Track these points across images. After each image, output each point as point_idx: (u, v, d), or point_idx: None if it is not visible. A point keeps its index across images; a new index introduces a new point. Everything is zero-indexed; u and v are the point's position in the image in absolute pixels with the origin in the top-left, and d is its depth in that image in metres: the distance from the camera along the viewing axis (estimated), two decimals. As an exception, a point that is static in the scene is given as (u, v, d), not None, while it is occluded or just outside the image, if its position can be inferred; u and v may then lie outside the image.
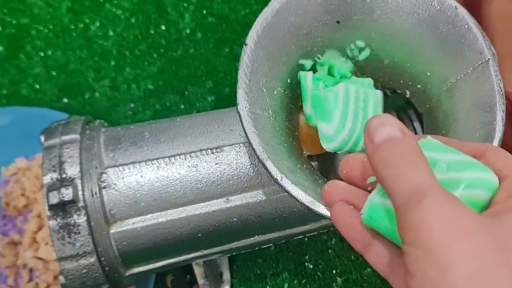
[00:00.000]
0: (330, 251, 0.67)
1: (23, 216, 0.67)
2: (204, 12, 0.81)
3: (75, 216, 0.48)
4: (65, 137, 0.51)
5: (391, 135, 0.31)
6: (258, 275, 0.65)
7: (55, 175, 0.48)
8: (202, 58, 0.79)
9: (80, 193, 0.48)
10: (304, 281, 0.65)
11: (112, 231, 0.49)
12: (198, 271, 0.64)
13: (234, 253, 0.56)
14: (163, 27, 0.81)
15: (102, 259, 0.49)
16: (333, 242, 0.67)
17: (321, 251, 0.67)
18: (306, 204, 0.41)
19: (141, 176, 0.50)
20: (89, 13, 0.81)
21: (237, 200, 0.51)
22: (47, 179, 0.48)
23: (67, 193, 0.47)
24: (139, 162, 0.50)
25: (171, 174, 0.50)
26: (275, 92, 0.48)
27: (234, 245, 0.53)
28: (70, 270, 0.48)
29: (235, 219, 0.51)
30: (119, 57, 0.79)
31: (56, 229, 0.47)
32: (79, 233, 0.48)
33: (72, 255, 0.48)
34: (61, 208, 0.48)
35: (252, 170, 0.51)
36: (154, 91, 0.77)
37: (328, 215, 0.41)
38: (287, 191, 0.42)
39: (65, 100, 0.76)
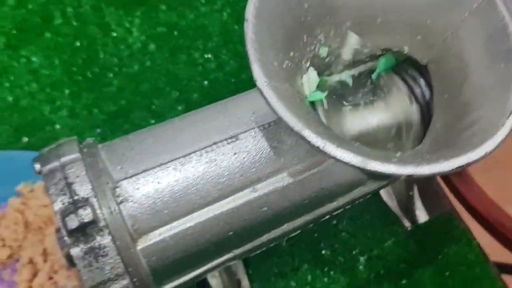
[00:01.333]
0: (343, 233, 0.65)
1: (10, 268, 0.61)
2: (152, 23, 0.78)
3: (98, 238, 0.43)
4: (65, 159, 0.46)
5: None
6: (277, 274, 0.62)
7: (66, 199, 0.43)
8: (160, 69, 0.75)
9: (98, 211, 0.43)
10: (326, 269, 0.62)
11: (139, 247, 0.45)
12: (214, 283, 0.60)
13: (261, 249, 0.52)
14: (111, 46, 0.76)
15: (134, 279, 0.44)
16: (344, 224, 0.65)
17: (334, 235, 0.64)
18: (358, 165, 0.39)
19: (158, 183, 0.46)
20: (29, 46, 0.76)
21: (263, 187, 0.47)
22: (58, 204, 0.43)
23: (86, 214, 0.42)
24: (152, 168, 0.46)
25: (190, 174, 0.46)
26: (284, 66, 0.46)
27: (265, 238, 0.50)
28: (101, 300, 0.43)
29: (265, 208, 0.48)
30: (72, 84, 0.74)
31: (81, 256, 0.43)
32: (106, 255, 0.43)
33: (103, 281, 0.43)
34: (82, 232, 0.43)
35: (272, 153, 0.48)
36: (119, 112, 0.72)
37: (382, 169, 0.38)
38: (333, 157, 0.39)
39: (25, 139, 0.70)
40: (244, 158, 0.47)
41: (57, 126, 0.71)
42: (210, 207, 0.46)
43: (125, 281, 0.44)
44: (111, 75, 0.74)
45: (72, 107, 0.72)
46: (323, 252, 0.63)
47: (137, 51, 0.76)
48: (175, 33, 0.77)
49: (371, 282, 0.63)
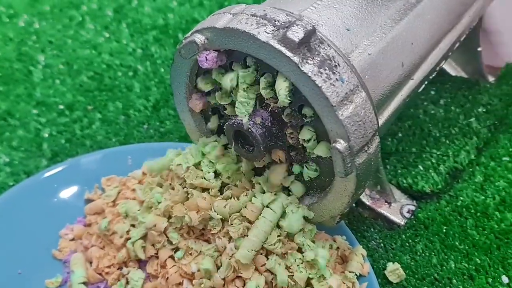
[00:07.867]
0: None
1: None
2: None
3: (322, 50, 0.38)
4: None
5: None
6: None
7: (269, 27, 0.38)
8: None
9: (309, 27, 0.38)
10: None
11: (353, 62, 0.41)
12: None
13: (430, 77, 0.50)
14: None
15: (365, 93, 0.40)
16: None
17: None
18: None
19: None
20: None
21: None
22: (263, 34, 0.38)
23: (303, 24, 0.37)
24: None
25: None
26: None
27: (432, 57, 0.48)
28: (350, 118, 0.38)
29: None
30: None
31: (316, 71, 0.37)
32: (338, 65, 0.38)
33: (347, 94, 0.38)
34: (307, 46, 0.38)
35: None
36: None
37: None
38: None
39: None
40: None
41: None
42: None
43: (363, 93, 0.39)
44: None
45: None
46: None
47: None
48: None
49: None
